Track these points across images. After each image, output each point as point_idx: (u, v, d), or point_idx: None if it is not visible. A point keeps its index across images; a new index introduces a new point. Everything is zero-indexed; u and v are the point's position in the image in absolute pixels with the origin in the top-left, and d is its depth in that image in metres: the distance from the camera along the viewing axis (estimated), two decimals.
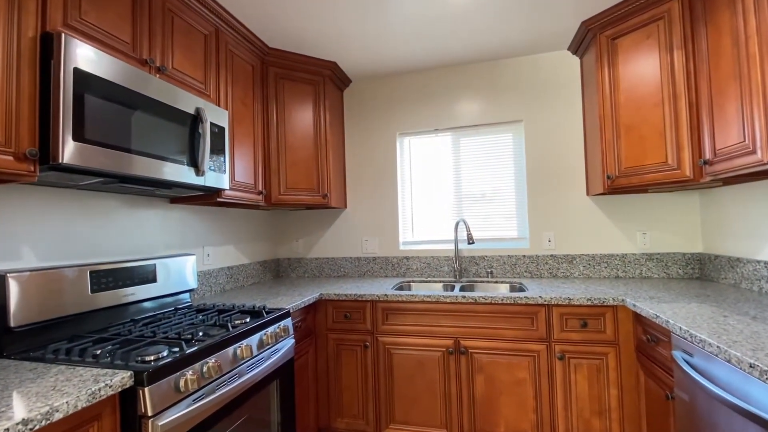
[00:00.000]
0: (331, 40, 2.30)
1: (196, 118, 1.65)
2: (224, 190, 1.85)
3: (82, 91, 1.18)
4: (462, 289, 2.44)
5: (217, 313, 1.69)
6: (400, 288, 2.51)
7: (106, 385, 0.94)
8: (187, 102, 1.61)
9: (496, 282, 2.45)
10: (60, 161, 1.12)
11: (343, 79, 2.79)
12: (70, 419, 0.88)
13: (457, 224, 2.54)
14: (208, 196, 1.90)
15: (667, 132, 1.85)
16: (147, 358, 1.09)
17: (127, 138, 1.31)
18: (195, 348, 1.20)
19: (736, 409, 1.01)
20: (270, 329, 1.59)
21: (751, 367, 0.94)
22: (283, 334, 1.66)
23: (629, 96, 1.99)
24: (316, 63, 2.51)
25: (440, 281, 2.56)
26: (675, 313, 1.45)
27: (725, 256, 2.03)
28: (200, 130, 1.66)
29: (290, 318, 1.77)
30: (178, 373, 1.10)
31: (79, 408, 0.87)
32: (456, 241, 2.56)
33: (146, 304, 1.68)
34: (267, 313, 1.67)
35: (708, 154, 1.67)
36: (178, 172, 1.54)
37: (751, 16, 1.37)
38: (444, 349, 2.02)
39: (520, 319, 1.92)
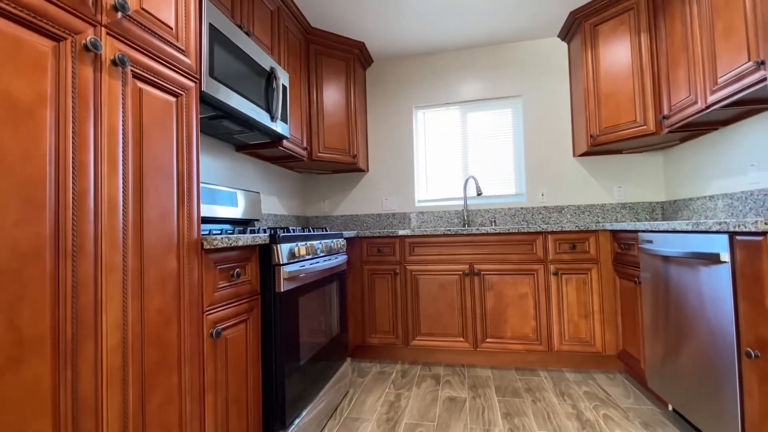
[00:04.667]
0: (360, 23, 2.75)
1: (270, 75, 2.06)
2: (286, 138, 2.27)
3: (213, 41, 1.60)
4: None
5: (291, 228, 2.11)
6: None
7: (259, 237, 1.36)
8: (265, 61, 2.02)
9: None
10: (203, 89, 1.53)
11: (368, 59, 3.24)
12: (242, 250, 1.30)
13: (466, 181, 3.02)
14: (272, 144, 2.30)
15: (636, 98, 2.38)
16: (272, 233, 1.51)
17: (237, 82, 1.73)
18: (299, 233, 1.62)
19: (678, 256, 1.50)
20: (334, 240, 2.02)
21: (687, 224, 1.44)
22: (340, 248, 2.09)
23: (607, 71, 2.51)
24: (348, 42, 2.95)
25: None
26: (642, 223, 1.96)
27: (681, 199, 2.57)
28: (274, 85, 2.08)
29: (344, 240, 2.20)
30: (293, 244, 1.53)
31: (248, 243, 1.29)
32: (465, 196, 3.04)
33: (228, 226, 2.08)
34: (329, 231, 2.09)
35: (666, 111, 2.19)
36: (261, 116, 1.95)
37: (694, 3, 1.90)
38: (461, 273, 2.48)
39: (523, 245, 2.41)
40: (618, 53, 2.46)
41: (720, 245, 1.29)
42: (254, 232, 1.59)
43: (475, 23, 2.80)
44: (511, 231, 2.40)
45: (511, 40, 3.06)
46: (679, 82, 2.05)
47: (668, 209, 2.72)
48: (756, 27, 1.53)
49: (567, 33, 2.88)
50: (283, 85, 2.21)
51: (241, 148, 2.39)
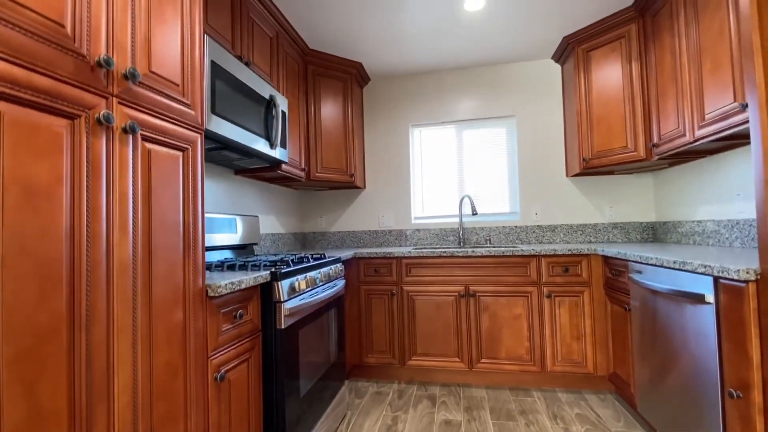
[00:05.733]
0: (358, 44, 2.79)
1: (270, 103, 2.09)
2: (285, 163, 2.30)
3: (215, 78, 1.62)
4: None
5: (290, 257, 2.13)
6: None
7: (260, 275, 1.39)
8: (264, 89, 2.05)
9: (494, 247, 2.98)
10: (205, 127, 1.55)
11: (365, 78, 3.28)
12: (244, 291, 1.33)
13: (462, 200, 3.07)
14: (271, 168, 2.33)
15: (627, 123, 2.44)
16: (273, 269, 1.54)
17: (237, 115, 1.76)
18: (300, 266, 1.66)
19: (666, 292, 1.56)
20: (332, 267, 2.05)
21: (674, 262, 1.50)
22: (338, 273, 2.13)
23: (599, 96, 2.57)
24: (346, 63, 2.99)
25: (447, 248, 3.07)
26: (632, 252, 2.01)
27: (671, 221, 2.63)
28: (273, 113, 2.11)
29: (342, 264, 2.23)
30: (293, 278, 1.56)
31: (250, 285, 1.32)
32: (461, 215, 3.08)
33: (228, 252, 2.11)
34: (327, 256, 2.12)
35: (655, 139, 2.26)
36: (260, 145, 1.98)
37: (683, 38, 1.96)
38: (456, 294, 2.53)
39: (517, 268, 2.46)
40: (610, 79, 2.52)
41: (705, 287, 1.34)
42: (255, 266, 1.62)
43: (472, 45, 2.84)
44: (505, 254, 2.45)
45: (506, 60, 3.11)
46: (668, 112, 2.11)
47: (659, 230, 2.79)
48: (741, 69, 1.59)
49: (561, 56, 2.93)
50: (282, 111, 2.23)
51: (240, 171, 2.42)
